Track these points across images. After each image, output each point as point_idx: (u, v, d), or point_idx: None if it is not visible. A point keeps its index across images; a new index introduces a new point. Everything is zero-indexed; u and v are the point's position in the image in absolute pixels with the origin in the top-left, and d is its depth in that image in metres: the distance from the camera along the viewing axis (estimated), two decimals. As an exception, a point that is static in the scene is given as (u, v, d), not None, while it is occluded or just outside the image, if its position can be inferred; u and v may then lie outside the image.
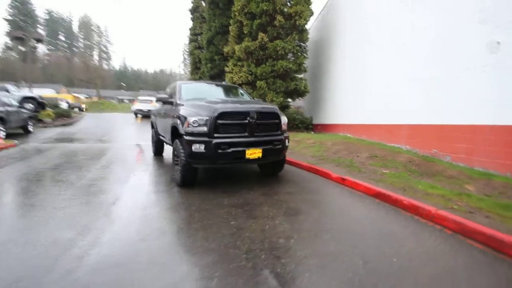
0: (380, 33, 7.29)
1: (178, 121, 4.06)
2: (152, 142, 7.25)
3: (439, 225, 2.76)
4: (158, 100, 4.98)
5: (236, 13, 11.38)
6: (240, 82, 11.00)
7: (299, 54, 11.12)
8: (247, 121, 3.87)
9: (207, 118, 3.70)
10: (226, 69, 11.81)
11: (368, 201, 3.61)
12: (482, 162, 4.38)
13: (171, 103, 4.82)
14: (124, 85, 61.31)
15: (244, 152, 3.83)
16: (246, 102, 4.21)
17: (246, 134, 3.91)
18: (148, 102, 18.02)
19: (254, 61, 11.20)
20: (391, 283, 1.86)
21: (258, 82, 10.76)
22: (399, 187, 3.94)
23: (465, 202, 3.30)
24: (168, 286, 1.79)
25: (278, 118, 4.23)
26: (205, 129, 3.72)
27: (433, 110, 5.46)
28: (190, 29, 17.59)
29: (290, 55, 11.32)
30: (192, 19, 17.86)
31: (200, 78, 17.33)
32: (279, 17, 10.32)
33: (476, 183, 3.92)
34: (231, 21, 12.21)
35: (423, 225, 2.82)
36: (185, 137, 3.83)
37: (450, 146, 5.06)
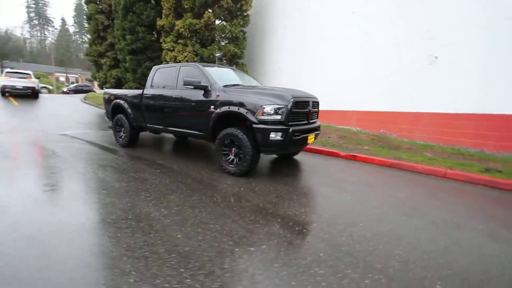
0: (332, 34, 8.71)
1: (242, 109, 3.91)
2: (121, 132, 6.04)
3: (452, 180, 4.29)
4: (186, 83, 4.37)
5: (173, -17, 10.22)
6: (185, 62, 10.20)
7: (242, 39, 11.34)
8: (307, 109, 4.24)
9: (283, 106, 3.81)
10: (164, 45, 10.56)
11: (389, 170, 4.87)
12: (421, 137, 6.57)
13: (203, 88, 4.38)
14: None
15: (307, 138, 4.23)
16: (297, 91, 4.46)
17: (306, 121, 4.29)
18: (25, 76, 13.35)
19: (199, 41, 10.60)
20: (470, 207, 3.06)
21: (205, 64, 10.31)
22: (391, 158, 5.42)
23: (439, 163, 5.08)
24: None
25: (319, 106, 4.78)
26: (279, 117, 3.83)
27: (382, 101, 7.38)
28: (86, -15, 13.79)
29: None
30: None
31: (106, 51, 14.28)
32: (227, -1, 10.10)
33: (428, 151, 5.94)
34: (163, -10, 10.79)
35: (442, 180, 4.29)
36: (258, 125, 3.81)
37: (395, 127, 7.13)
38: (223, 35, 10.48)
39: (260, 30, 12.18)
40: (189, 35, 10.31)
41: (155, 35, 12.46)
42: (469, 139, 5.74)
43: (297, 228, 2.50)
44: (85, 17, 16.43)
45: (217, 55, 10.75)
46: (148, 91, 5.39)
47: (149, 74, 5.54)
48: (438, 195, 3.65)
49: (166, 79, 5.19)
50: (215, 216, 2.69)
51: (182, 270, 1.82)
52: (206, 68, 4.76)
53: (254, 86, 4.65)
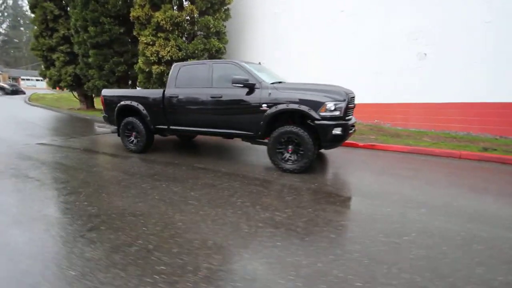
0: (320, 31, 9.12)
1: (304, 106, 3.93)
2: (131, 137, 5.49)
3: (466, 159, 5.04)
4: (234, 82, 4.18)
5: (144, -31, 9.39)
6: (169, 57, 9.53)
7: (223, 34, 11.02)
8: (353, 104, 4.48)
9: (341, 102, 3.97)
10: (142, 39, 9.64)
11: (411, 156, 5.44)
12: (414, 125, 7.45)
13: (250, 86, 4.26)
14: None
15: (354, 130, 4.49)
16: (341, 87, 4.62)
17: (351, 116, 4.53)
18: None
19: (181, 35, 9.99)
20: (482, 182, 3.75)
21: (191, 60, 9.81)
22: (401, 144, 6.07)
23: (445, 146, 5.88)
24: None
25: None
26: (338, 113, 3.97)
27: (375, 94, 8.09)
28: (24, -33, 11.50)
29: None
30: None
31: (58, 45, 12.33)
32: (211, -10, 9.69)
33: (425, 137, 6.78)
34: (134, -22, 9.82)
35: (460, 160, 5.01)
36: (321, 122, 3.90)
37: (389, 117, 7.91)
38: (207, 29, 10.02)
39: (239, 25, 11.98)
40: (170, 28, 9.61)
41: (124, 27, 11.26)
42: (457, 124, 6.76)
43: (424, 212, 2.72)
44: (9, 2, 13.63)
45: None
46: (172, 90, 4.96)
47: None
48: (482, 174, 4.32)
49: (195, 77, 4.85)
50: (334, 213, 2.73)
51: (395, 261, 1.87)
52: (250, 65, 4.62)
53: (301, 83, 4.67)
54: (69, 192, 3.21)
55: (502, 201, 3.17)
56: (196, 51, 9.90)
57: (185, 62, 5.19)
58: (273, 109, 4.12)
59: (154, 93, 5.22)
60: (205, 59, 10.31)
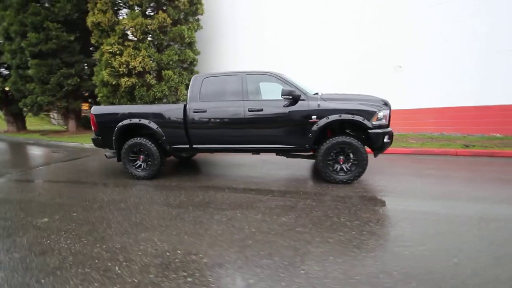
0: (296, 44, 9.49)
1: (358, 117, 3.93)
2: (138, 161, 4.68)
3: (462, 156, 5.80)
4: (284, 94, 3.91)
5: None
6: (141, 69, 8.53)
7: (195, 45, 10.48)
8: (388, 112, 4.70)
9: (387, 111, 4.13)
10: (107, 48, 8.37)
11: (416, 156, 5.99)
12: (397, 129, 8.25)
13: (296, 98, 4.07)
14: None
15: (391, 138, 4.70)
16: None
17: (387, 124, 4.74)
18: None
19: (152, 45, 9.10)
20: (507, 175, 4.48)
21: (166, 71, 9.00)
22: (399, 147, 6.68)
23: (432, 146, 6.69)
24: None
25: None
26: (384, 121, 4.12)
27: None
28: None
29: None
30: None
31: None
32: (183, -1, 9.13)
33: (409, 139, 7.61)
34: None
35: (456, 157, 5.73)
36: (373, 130, 3.96)
37: (371, 123, 8.61)
38: (181, 39, 9.35)
39: (210, 36, 11.57)
40: (141, 37, 8.65)
41: (74, 34, 9.66)
42: (431, 126, 7.80)
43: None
44: None
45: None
46: (198, 105, 4.38)
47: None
48: (497, 167, 4.90)
49: (224, 89, 4.41)
50: (438, 217, 2.75)
51: None
52: (285, 75, 4.42)
53: (342, 94, 4.61)
54: (135, 241, 2.44)
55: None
56: (171, 62, 9.13)
57: (207, 73, 4.66)
58: (324, 120, 4.00)
59: (171, 108, 4.53)
60: (179, 70, 9.61)
